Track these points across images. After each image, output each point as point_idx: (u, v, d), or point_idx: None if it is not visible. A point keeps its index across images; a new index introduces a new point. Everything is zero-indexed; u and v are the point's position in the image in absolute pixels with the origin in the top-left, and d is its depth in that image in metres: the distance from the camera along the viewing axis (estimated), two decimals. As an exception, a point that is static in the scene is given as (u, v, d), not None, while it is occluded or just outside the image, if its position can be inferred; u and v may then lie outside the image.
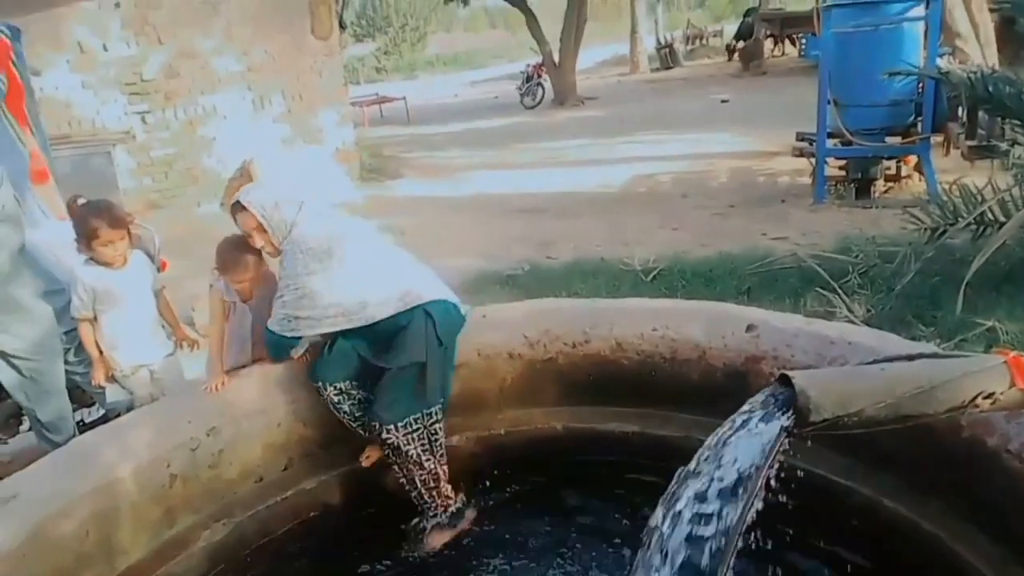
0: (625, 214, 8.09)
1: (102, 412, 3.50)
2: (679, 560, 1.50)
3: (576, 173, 10.57)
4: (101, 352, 3.15)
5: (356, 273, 2.62)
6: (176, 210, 8.88)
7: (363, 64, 32.17)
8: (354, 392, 2.72)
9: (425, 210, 9.18)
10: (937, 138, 7.47)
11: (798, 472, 2.06)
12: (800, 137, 8.24)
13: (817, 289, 4.60)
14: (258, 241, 2.67)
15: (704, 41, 27.93)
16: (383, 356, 2.67)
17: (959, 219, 4.61)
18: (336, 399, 2.69)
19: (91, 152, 7.51)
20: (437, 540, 2.74)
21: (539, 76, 19.88)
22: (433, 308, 2.68)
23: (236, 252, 2.84)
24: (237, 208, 2.66)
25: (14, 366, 3.17)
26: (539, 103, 19.58)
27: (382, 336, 2.67)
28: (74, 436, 3.16)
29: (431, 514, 2.76)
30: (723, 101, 16.12)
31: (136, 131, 8.76)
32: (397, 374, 2.63)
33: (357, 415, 2.72)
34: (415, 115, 18.92)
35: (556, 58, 19.29)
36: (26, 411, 3.27)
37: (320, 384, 2.68)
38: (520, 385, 3.01)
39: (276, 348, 2.73)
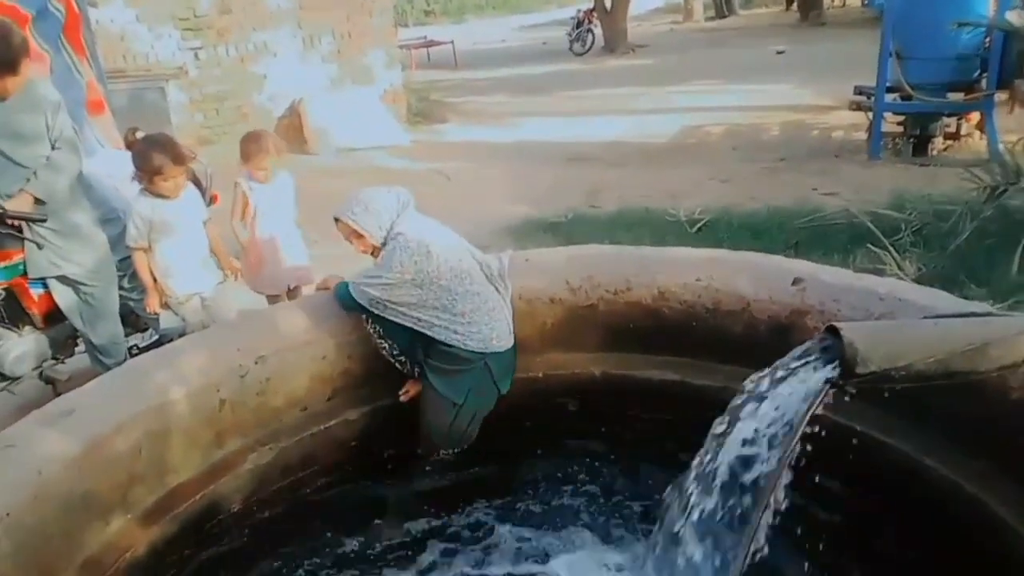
0: (672, 165, 7.96)
1: (155, 337, 3.60)
2: (719, 501, 1.50)
3: (624, 122, 10.40)
4: (155, 280, 3.23)
5: (435, 300, 2.58)
6: (226, 146, 8.94)
7: (412, 6, 31.70)
8: (393, 343, 2.72)
9: (470, 155, 9.14)
10: (1002, 95, 7.15)
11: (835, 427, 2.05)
12: (858, 90, 7.97)
13: (868, 245, 4.50)
14: (358, 246, 2.68)
15: (762, -11, 26.93)
16: (432, 361, 2.66)
17: (1020, 179, 4.44)
18: (374, 335, 2.72)
19: (145, 86, 7.61)
20: None
21: (590, 22, 19.42)
22: (495, 360, 2.68)
23: (255, 143, 3.33)
24: (336, 220, 2.67)
25: (73, 290, 3.27)
26: (588, 50, 19.18)
27: (439, 347, 2.65)
28: (125, 360, 3.27)
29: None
30: (779, 52, 15.59)
31: (189, 67, 8.81)
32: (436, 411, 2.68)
33: (394, 354, 2.75)
34: (462, 60, 18.68)
35: (608, 4, 18.81)
36: (81, 334, 3.38)
37: (365, 317, 2.70)
38: (560, 330, 3.01)
39: (344, 301, 2.71)
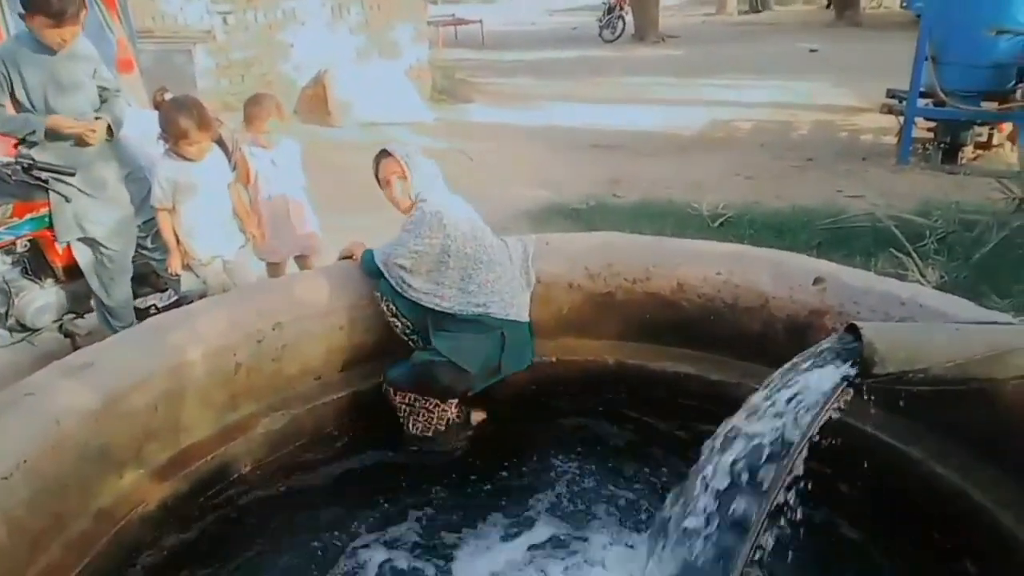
0: (698, 158, 7.94)
1: (174, 298, 3.65)
2: (724, 487, 1.53)
3: (651, 112, 10.35)
4: (178, 242, 3.27)
5: (459, 272, 2.67)
6: (250, 114, 8.98)
7: (442, -18, 31.61)
8: (407, 321, 2.77)
9: (493, 137, 9.12)
10: (1038, 107, 7.09)
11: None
12: (891, 94, 7.91)
13: (891, 250, 4.48)
14: (396, 190, 2.73)
15: (799, -15, 26.64)
16: (446, 333, 2.69)
17: (1051, 193, 4.41)
18: (388, 313, 2.77)
19: (172, 49, 7.62)
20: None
21: (621, 9, 19.28)
22: (511, 329, 2.72)
23: (256, 105, 3.36)
24: (381, 155, 2.76)
25: (92, 249, 3.32)
26: (618, 37, 19.06)
27: (455, 321, 2.69)
28: (132, 324, 3.31)
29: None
30: (812, 50, 15.45)
31: (217, 31, 8.82)
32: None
33: (407, 332, 2.79)
34: (490, 40, 18.60)
35: (641, -9, 18.67)
36: (95, 293, 3.43)
37: (379, 295, 2.76)
38: (576, 316, 3.03)
39: (369, 269, 2.78)
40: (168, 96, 3.38)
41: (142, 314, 3.47)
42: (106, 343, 2.47)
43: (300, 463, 2.71)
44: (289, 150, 3.63)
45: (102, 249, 3.31)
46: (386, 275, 2.70)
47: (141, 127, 3.45)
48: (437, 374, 2.68)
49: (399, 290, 2.69)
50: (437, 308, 2.67)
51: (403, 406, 2.80)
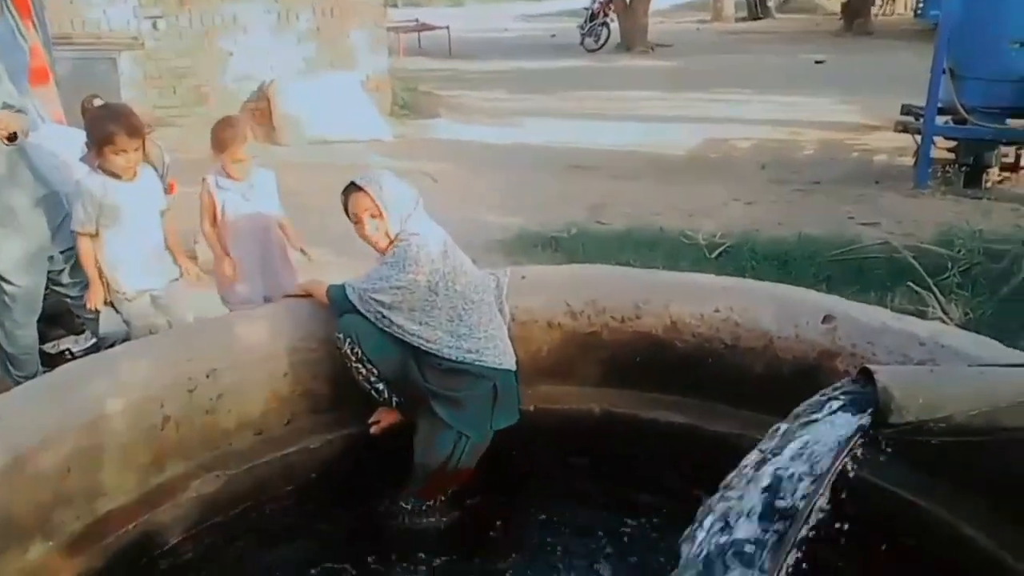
0: (692, 181, 8.06)
1: (92, 341, 3.60)
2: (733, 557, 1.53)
3: (638, 129, 10.54)
4: (101, 273, 3.24)
5: (448, 312, 2.66)
6: (184, 130, 8.98)
7: (404, -16, 32.11)
8: (373, 368, 2.73)
9: (461, 156, 9.21)
10: (1068, 126, 7.32)
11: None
12: (906, 111, 8.10)
13: (909, 284, 4.56)
14: (369, 228, 2.67)
15: (802, -10, 27.41)
16: (432, 381, 2.70)
17: (1084, 219, 4.53)
18: (352, 357, 2.72)
19: (94, 56, 7.62)
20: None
21: (606, 15, 19.70)
22: (503, 379, 2.74)
23: (231, 128, 3.31)
24: (351, 188, 2.68)
25: (-1, 287, 3.28)
26: (602, 46, 19.44)
27: (442, 367, 2.69)
28: (37, 375, 3.26)
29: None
30: (818, 62, 15.88)
31: (145, 38, 8.85)
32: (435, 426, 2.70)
33: (372, 381, 2.75)
34: (458, 48, 18.89)
35: (628, -5, 19.10)
36: None
37: (341, 337, 2.70)
38: (557, 358, 3.04)
39: (341, 305, 2.73)
40: (98, 103, 3.39)
41: (54, 360, 3.43)
42: (10, 395, 2.43)
43: (237, 533, 2.67)
44: (263, 181, 3.55)
45: (6, 286, 3.27)
46: (362, 310, 2.65)
47: (57, 144, 3.44)
48: (438, 444, 2.69)
49: (379, 325, 2.64)
50: (424, 348, 2.65)
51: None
